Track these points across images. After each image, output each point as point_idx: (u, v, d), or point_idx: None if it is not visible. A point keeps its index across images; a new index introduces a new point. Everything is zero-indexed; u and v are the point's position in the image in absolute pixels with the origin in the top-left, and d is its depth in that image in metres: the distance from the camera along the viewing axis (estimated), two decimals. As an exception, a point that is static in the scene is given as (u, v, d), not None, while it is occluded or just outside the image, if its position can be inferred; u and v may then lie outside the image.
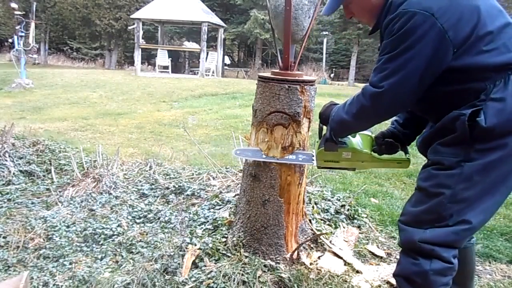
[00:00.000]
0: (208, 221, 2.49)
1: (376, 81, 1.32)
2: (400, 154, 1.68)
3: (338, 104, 1.57)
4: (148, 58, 22.73)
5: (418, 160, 4.18)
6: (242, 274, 1.89)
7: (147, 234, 2.52)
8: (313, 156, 1.86)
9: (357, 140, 1.64)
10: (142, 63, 17.84)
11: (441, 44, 1.21)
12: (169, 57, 16.35)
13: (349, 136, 1.61)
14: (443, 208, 1.28)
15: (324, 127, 1.64)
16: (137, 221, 2.73)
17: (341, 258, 2.18)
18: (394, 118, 1.69)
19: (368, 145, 1.66)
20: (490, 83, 1.22)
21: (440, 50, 1.22)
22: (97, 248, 2.40)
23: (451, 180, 1.27)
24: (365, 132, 1.67)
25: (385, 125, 1.73)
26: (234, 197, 2.75)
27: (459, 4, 1.23)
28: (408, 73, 1.25)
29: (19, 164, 3.53)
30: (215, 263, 2.01)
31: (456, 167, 1.26)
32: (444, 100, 1.30)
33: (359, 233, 2.54)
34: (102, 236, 2.50)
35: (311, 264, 2.10)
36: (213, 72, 15.75)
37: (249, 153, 2.04)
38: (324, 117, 1.60)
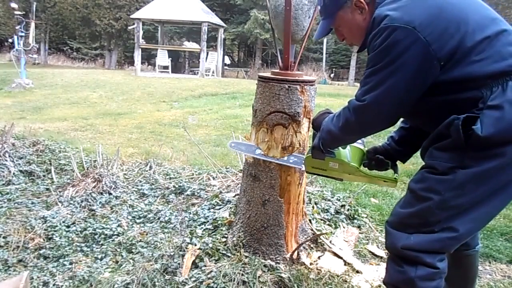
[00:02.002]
0: (208, 221, 2.49)
1: (359, 95, 1.33)
2: (389, 172, 1.64)
3: (332, 112, 1.56)
4: (148, 58, 22.72)
5: (418, 160, 4.17)
6: (242, 274, 1.90)
7: (147, 234, 2.52)
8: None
9: (346, 152, 1.62)
10: (142, 63, 17.84)
11: (424, 58, 1.20)
12: (169, 57, 16.35)
13: (339, 147, 1.59)
14: (430, 214, 1.26)
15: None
16: (137, 221, 2.74)
17: (341, 258, 2.18)
18: (390, 134, 1.67)
19: (357, 159, 1.63)
20: (487, 90, 1.19)
21: (424, 63, 1.20)
22: (97, 248, 2.40)
23: (442, 186, 1.24)
24: (357, 144, 1.65)
25: (386, 133, 1.70)
26: (234, 197, 2.75)
27: (443, 17, 1.21)
28: (390, 87, 1.25)
29: (19, 164, 3.53)
30: (215, 263, 2.01)
31: (449, 173, 1.23)
32: (442, 111, 1.28)
33: (359, 233, 2.54)
34: (102, 236, 2.50)
35: (311, 264, 2.10)
36: (213, 72, 15.75)
37: (243, 147, 2.05)
38: (315, 125, 1.60)
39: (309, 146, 1.68)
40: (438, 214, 1.25)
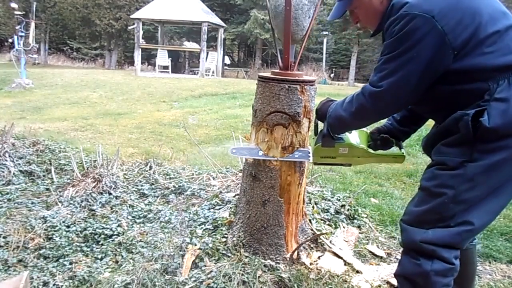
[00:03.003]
0: (208, 221, 2.49)
1: (376, 81, 1.35)
2: (394, 149, 1.69)
3: (335, 100, 1.58)
4: (148, 58, 22.72)
5: (418, 160, 4.19)
6: (242, 274, 1.90)
7: (147, 234, 2.51)
8: (310, 153, 1.87)
9: (354, 136, 1.66)
10: (142, 63, 17.84)
11: (440, 47, 1.23)
12: (169, 57, 16.36)
13: (346, 132, 1.63)
14: (445, 209, 1.28)
15: (321, 123, 1.65)
16: (137, 221, 2.73)
17: (341, 258, 2.18)
18: None
19: (364, 141, 1.67)
20: (493, 83, 1.22)
21: (439, 52, 1.23)
22: (97, 248, 2.39)
23: (454, 181, 1.27)
24: None
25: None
26: (234, 197, 2.75)
27: (459, 7, 1.24)
28: (406, 73, 1.27)
29: (19, 164, 3.53)
30: (215, 263, 2.01)
31: (459, 168, 1.26)
32: (449, 101, 1.31)
33: (359, 233, 2.54)
34: (102, 236, 2.49)
35: (311, 264, 2.10)
36: (213, 72, 15.75)
37: (245, 151, 2.05)
38: (320, 113, 1.62)
39: (313, 138, 1.70)
40: (452, 208, 1.27)
